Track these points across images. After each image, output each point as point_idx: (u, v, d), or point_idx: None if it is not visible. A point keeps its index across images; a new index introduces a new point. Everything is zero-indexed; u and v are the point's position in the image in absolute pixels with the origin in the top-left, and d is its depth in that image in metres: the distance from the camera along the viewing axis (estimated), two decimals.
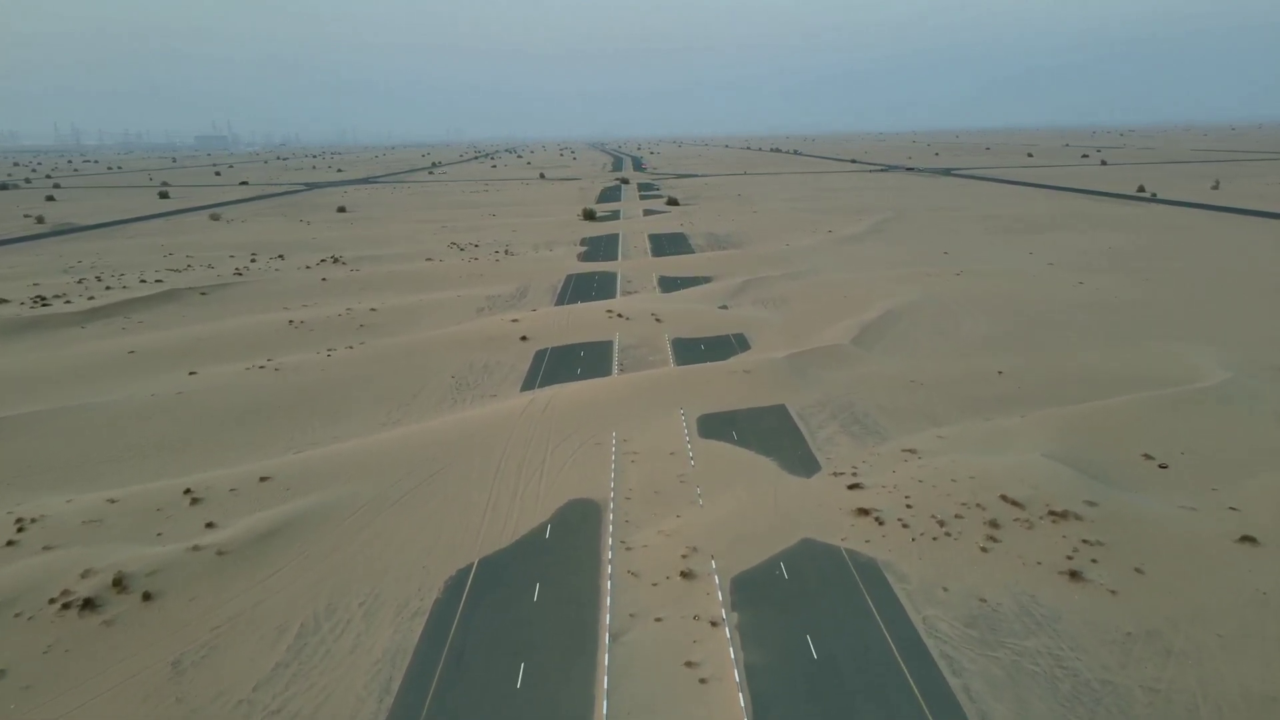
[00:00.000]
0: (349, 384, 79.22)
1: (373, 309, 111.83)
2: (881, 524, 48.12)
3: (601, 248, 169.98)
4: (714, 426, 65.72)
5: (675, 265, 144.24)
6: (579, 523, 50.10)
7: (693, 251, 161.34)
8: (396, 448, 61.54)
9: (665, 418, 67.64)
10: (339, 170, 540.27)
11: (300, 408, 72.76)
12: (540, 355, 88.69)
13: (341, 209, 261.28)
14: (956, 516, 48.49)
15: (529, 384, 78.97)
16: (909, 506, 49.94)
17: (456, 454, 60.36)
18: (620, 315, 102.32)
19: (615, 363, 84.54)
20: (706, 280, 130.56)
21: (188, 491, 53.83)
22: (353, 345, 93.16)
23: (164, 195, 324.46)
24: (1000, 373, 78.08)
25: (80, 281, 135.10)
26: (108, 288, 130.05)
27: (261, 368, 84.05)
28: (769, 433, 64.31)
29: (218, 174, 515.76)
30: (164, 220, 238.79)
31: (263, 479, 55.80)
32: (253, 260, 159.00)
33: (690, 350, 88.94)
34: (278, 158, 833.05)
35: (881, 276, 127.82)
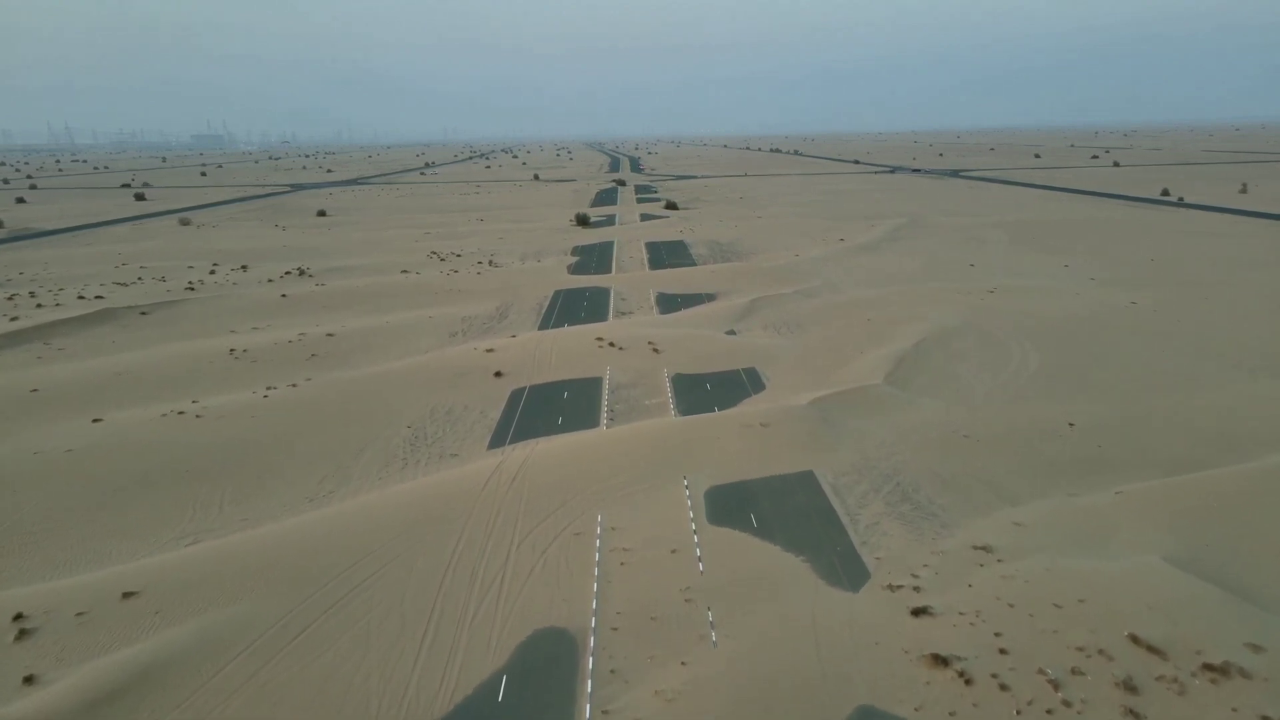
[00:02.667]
0: (281, 437, 65.24)
1: (329, 334, 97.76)
2: (969, 683, 34.27)
3: (594, 258, 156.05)
4: (727, 505, 51.89)
5: (675, 280, 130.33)
6: (546, 672, 36.23)
7: (694, 263, 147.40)
8: (318, 539, 47.63)
9: (665, 491, 53.80)
10: (329, 171, 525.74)
11: (213, 472, 58.76)
12: (516, 396, 74.78)
13: (322, 213, 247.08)
14: (1074, 672, 34.66)
15: (499, 438, 65.01)
16: (1003, 651, 36.10)
17: (395, 550, 46.48)
18: (612, 344, 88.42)
19: (604, 409, 70.57)
20: (710, 298, 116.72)
21: (18, 617, 39.89)
22: (297, 382, 79.16)
23: (140, 197, 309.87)
24: (1072, 425, 64.22)
25: (11, 298, 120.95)
26: (39, 305, 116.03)
27: (181, 413, 70.03)
28: (797, 515, 50.49)
29: (203, 174, 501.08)
30: (130, 225, 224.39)
31: (127, 594, 41.85)
32: (212, 271, 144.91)
33: (694, 390, 75.09)
34: (270, 157, 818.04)
35: (906, 294, 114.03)
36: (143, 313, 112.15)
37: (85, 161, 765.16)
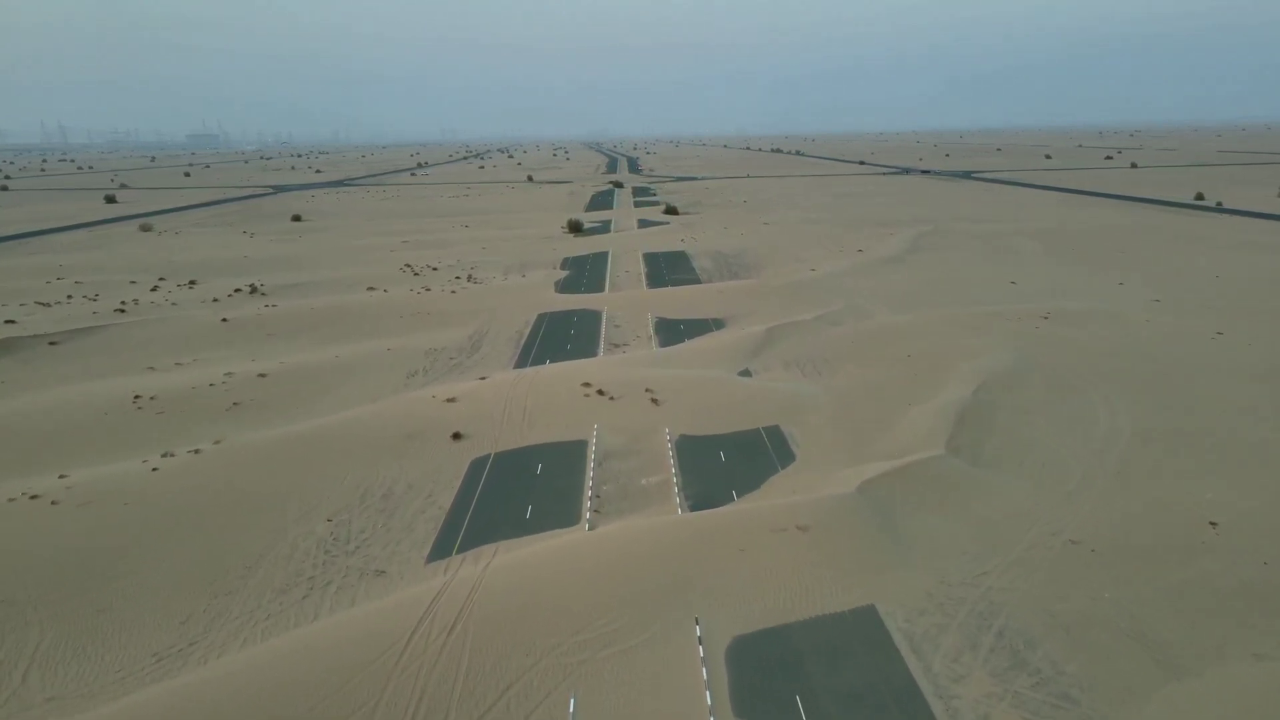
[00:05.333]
0: (153, 538, 48.78)
1: (262, 374, 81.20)
2: None
3: (586, 271, 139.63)
4: (760, 675, 35.48)
5: (676, 300, 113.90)
6: None
7: (697, 278, 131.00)
8: None
9: (670, 648, 37.39)
10: (317, 171, 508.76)
11: (39, 605, 42.28)
12: (476, 470, 58.35)
13: (297, 218, 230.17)
14: None
15: (444, 543, 48.52)
16: None
17: None
18: (601, 392, 71.99)
19: (588, 492, 54.06)
20: (718, 325, 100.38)
21: None
22: (202, 446, 62.61)
23: (110, 200, 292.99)
24: (1214, 525, 47.91)
25: None
26: None
27: (35, 498, 53.55)
28: (864, 697, 34.10)
29: (187, 175, 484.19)
30: (87, 231, 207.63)
31: None
32: (154, 288, 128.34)
33: (705, 461, 58.69)
34: (261, 157, 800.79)
35: (947, 320, 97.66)
36: (52, 342, 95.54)
37: (72, 161, 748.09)
